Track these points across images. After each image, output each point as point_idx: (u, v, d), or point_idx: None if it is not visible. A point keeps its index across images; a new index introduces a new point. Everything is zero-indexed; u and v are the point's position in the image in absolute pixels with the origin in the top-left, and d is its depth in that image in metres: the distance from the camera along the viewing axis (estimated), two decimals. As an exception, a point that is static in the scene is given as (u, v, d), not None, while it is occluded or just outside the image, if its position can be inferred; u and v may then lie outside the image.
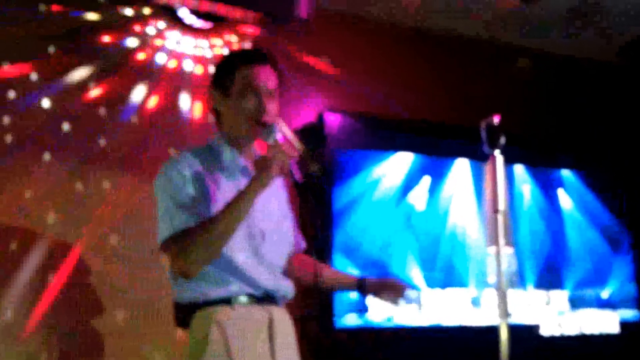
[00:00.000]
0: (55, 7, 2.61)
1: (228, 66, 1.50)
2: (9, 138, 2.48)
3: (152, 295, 2.56)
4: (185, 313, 1.45)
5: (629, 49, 3.84)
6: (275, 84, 1.49)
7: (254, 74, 1.46)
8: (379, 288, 1.64)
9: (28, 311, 2.41)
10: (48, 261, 2.47)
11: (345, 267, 3.14)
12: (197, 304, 1.43)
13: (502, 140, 1.52)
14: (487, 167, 1.57)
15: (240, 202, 1.37)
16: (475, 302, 3.45)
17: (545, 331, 3.52)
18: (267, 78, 1.47)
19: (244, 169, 1.50)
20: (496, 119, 1.54)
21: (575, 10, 3.41)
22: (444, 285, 3.40)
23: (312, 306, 2.98)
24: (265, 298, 1.48)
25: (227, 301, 1.43)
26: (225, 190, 1.44)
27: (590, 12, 3.44)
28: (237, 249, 1.44)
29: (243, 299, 1.44)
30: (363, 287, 1.68)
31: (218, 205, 1.41)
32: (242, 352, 1.40)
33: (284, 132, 1.45)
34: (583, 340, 3.61)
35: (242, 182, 1.46)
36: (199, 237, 1.35)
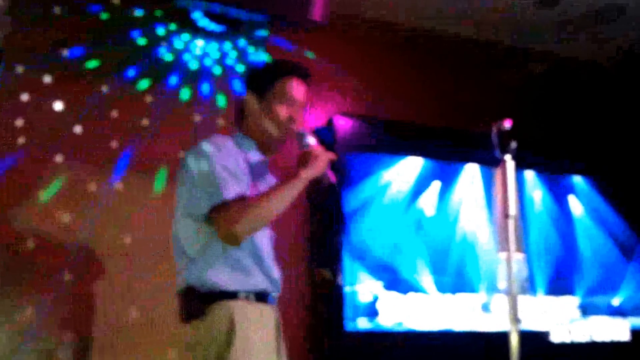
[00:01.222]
0: (68, 10, 2.63)
1: (270, 73, 1.60)
2: (22, 140, 2.51)
3: (164, 293, 2.56)
4: (201, 301, 1.43)
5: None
6: (306, 98, 1.62)
7: (292, 86, 1.58)
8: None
9: (45, 310, 2.44)
10: (63, 260, 2.49)
11: (355, 270, 3.14)
12: (216, 294, 1.42)
13: (513, 144, 1.53)
14: (497, 172, 1.57)
15: (290, 186, 1.45)
16: (486, 307, 3.43)
17: (555, 338, 3.49)
18: (301, 92, 1.60)
19: (266, 169, 1.60)
20: (507, 124, 1.54)
21: (594, 14, 3.39)
22: (454, 290, 3.39)
23: (322, 309, 2.99)
24: (268, 296, 1.52)
25: (246, 294, 1.44)
26: (252, 181, 1.51)
27: (609, 16, 3.41)
28: (261, 239, 1.51)
29: (260, 294, 1.47)
30: None
31: (251, 190, 1.47)
32: (262, 349, 1.42)
33: (314, 138, 1.56)
34: (593, 348, 3.58)
35: (264, 178, 1.56)
36: (255, 206, 1.40)
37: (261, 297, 1.47)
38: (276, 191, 1.44)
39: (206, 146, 1.48)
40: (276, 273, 1.54)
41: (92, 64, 2.64)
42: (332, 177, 1.53)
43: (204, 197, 1.42)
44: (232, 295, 1.42)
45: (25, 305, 2.41)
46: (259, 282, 1.47)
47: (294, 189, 1.46)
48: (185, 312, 1.47)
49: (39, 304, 2.43)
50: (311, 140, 1.54)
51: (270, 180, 1.61)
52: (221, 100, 2.91)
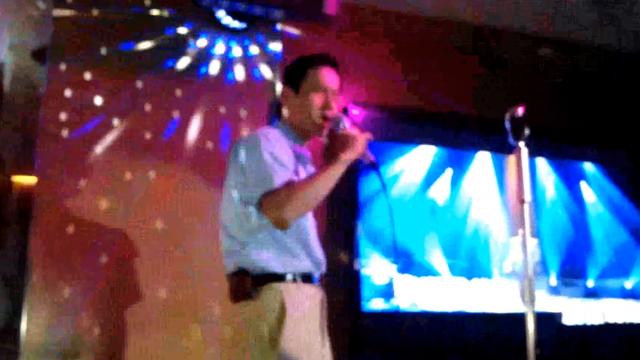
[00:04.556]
0: (106, 11, 2.83)
1: (300, 66, 1.68)
2: (65, 133, 2.72)
3: (191, 275, 2.74)
4: (252, 283, 1.49)
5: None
6: (338, 85, 1.68)
7: (323, 74, 1.65)
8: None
9: (83, 289, 2.62)
10: (101, 243, 2.68)
11: (370, 253, 3.28)
12: (266, 276, 1.49)
13: (527, 131, 1.55)
14: (512, 159, 1.60)
15: (332, 170, 1.50)
16: (497, 290, 3.53)
17: (567, 320, 3.56)
18: (332, 79, 1.66)
19: (306, 157, 1.67)
20: (520, 110, 1.57)
21: (602, 1, 3.42)
22: (467, 273, 3.50)
23: (340, 290, 3.12)
24: (313, 277, 1.57)
25: (294, 277, 1.51)
26: (297, 168, 1.57)
27: (616, 3, 3.42)
28: (306, 224, 1.57)
29: (306, 275, 1.53)
30: None
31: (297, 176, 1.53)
32: (310, 328, 1.50)
33: (349, 121, 1.61)
34: (605, 329, 3.63)
35: (303, 167, 1.61)
36: (302, 190, 1.47)
37: (307, 278, 1.54)
38: (320, 176, 1.49)
39: (255, 137, 1.56)
40: (320, 254, 1.59)
41: (127, 61, 2.83)
42: (371, 156, 1.57)
43: (255, 184, 1.49)
44: (281, 277, 1.50)
45: (63, 285, 2.59)
46: (305, 264, 1.53)
47: (336, 172, 1.50)
48: (236, 292, 1.52)
49: (76, 283, 2.60)
50: (347, 123, 1.59)
51: (310, 168, 1.65)
52: (244, 93, 3.07)
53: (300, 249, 1.53)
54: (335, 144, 1.55)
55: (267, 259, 1.50)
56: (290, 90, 1.67)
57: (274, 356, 1.43)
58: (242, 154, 1.55)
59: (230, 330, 1.56)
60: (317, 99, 1.63)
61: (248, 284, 1.50)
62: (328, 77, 1.65)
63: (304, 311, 1.49)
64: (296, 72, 1.68)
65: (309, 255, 1.55)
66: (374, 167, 1.58)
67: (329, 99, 1.64)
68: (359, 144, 1.53)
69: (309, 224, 1.58)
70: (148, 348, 2.64)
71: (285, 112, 1.69)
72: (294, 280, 1.51)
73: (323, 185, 1.48)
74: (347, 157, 1.52)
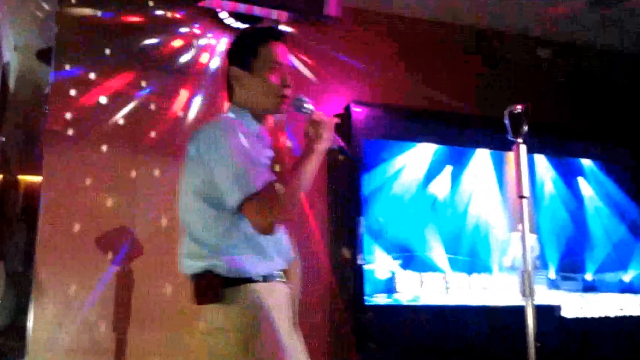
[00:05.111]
0: (109, 11, 2.85)
1: (249, 44, 1.53)
2: (71, 131, 2.74)
3: None
4: (224, 285, 1.39)
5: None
6: (289, 60, 1.56)
7: (276, 50, 1.51)
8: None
9: (88, 286, 2.66)
10: (106, 240, 2.71)
11: (373, 249, 3.32)
12: (241, 279, 1.40)
13: (525, 128, 1.58)
14: (511, 155, 1.63)
15: (311, 162, 1.42)
16: (497, 284, 3.58)
17: (566, 313, 3.60)
18: (285, 54, 1.54)
19: (266, 141, 1.53)
20: (519, 108, 1.61)
21: (604, 2, 3.45)
22: (467, 268, 3.54)
23: (343, 286, 3.17)
24: (285, 272, 1.50)
25: (266, 277, 1.43)
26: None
27: (617, 4, 3.45)
28: None
29: (277, 274, 1.46)
30: None
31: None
32: (287, 331, 1.43)
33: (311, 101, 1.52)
34: (603, 322, 3.67)
35: (265, 150, 1.48)
36: (286, 191, 1.36)
37: (279, 276, 1.46)
38: (300, 171, 1.40)
39: (220, 132, 1.40)
40: (289, 248, 1.51)
41: (131, 61, 2.86)
42: (339, 140, 1.51)
43: (232, 188, 1.36)
44: (256, 279, 1.41)
45: (69, 282, 2.62)
46: (277, 263, 1.46)
47: (316, 164, 1.43)
48: (204, 295, 1.41)
49: (82, 281, 2.64)
50: (310, 105, 1.50)
51: (269, 151, 1.50)
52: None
53: (272, 247, 1.44)
54: (305, 131, 1.47)
55: (240, 263, 1.39)
56: (241, 70, 1.51)
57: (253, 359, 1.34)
58: (209, 152, 1.39)
59: (207, 334, 1.43)
60: (273, 77, 1.49)
61: (218, 285, 1.39)
62: (281, 52, 1.52)
63: (279, 311, 1.42)
64: (245, 50, 1.52)
65: (280, 253, 1.47)
66: (343, 151, 1.53)
67: (286, 76, 1.51)
68: (329, 131, 1.46)
69: None
70: (153, 344, 2.68)
71: (238, 94, 1.52)
72: (269, 280, 1.42)
73: (306, 179, 1.40)
74: (322, 147, 1.44)
